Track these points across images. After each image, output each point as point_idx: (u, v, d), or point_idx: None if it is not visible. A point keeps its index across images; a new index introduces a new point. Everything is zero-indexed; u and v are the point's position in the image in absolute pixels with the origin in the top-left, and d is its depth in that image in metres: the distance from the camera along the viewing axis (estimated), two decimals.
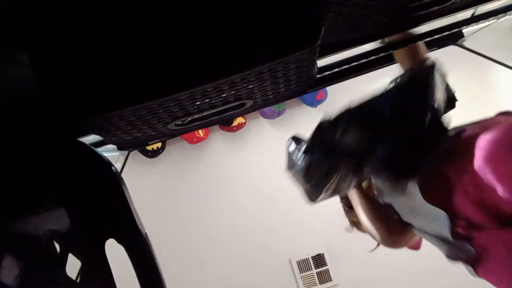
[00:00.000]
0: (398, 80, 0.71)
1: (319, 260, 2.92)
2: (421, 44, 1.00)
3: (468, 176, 0.70)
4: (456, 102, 0.88)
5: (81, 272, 0.72)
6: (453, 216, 0.74)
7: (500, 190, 0.65)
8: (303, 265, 2.92)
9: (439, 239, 0.81)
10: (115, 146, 0.74)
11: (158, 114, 0.60)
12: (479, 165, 0.68)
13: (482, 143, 0.70)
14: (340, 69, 1.01)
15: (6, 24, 0.51)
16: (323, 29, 0.56)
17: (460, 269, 0.80)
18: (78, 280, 0.71)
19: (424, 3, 0.64)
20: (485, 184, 0.67)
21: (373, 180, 0.96)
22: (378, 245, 1.02)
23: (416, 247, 1.03)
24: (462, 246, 0.76)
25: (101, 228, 0.72)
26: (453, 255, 0.81)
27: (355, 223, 1.10)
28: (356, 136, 0.68)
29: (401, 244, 0.96)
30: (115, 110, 0.54)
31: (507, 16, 1.08)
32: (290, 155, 0.82)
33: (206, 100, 0.61)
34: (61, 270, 0.68)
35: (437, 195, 0.75)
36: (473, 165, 0.69)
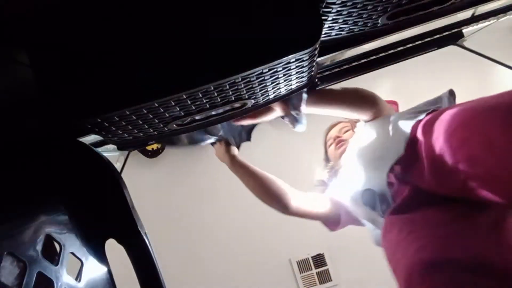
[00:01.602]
0: None
1: (319, 260, 2.92)
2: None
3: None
4: None
5: (81, 272, 0.72)
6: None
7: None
8: (303, 265, 2.92)
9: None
10: (115, 146, 0.74)
11: (159, 114, 0.60)
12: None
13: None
14: (340, 69, 1.01)
15: (6, 24, 0.51)
16: (323, 30, 0.56)
17: None
18: (78, 280, 0.71)
19: (424, 3, 0.64)
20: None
21: None
22: None
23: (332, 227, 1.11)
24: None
25: (101, 228, 0.72)
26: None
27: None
28: None
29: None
30: (115, 110, 0.54)
31: (507, 16, 1.08)
32: None
33: (207, 100, 0.61)
34: (61, 270, 0.68)
35: None
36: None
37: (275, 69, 0.59)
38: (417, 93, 2.90)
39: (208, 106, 0.63)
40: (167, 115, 0.62)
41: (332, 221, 1.12)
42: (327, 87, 1.00)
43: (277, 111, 0.94)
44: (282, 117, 0.97)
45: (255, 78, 0.59)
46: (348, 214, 1.04)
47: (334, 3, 0.58)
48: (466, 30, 1.15)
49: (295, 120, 0.93)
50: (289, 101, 0.91)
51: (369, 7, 0.61)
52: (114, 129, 0.62)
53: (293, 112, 0.92)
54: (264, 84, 0.63)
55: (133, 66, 0.54)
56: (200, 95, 0.58)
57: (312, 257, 2.92)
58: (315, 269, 2.91)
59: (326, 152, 1.27)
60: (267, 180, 1.07)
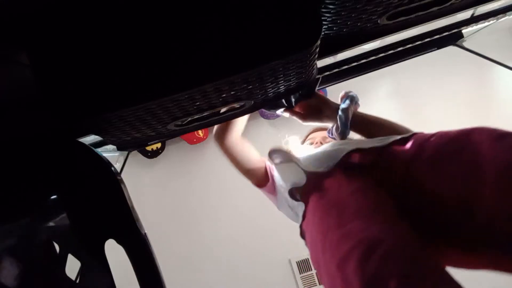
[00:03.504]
0: None
1: None
2: None
3: None
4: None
5: (81, 272, 0.72)
6: None
7: None
8: (303, 265, 2.92)
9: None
10: (114, 146, 0.74)
11: (158, 115, 0.60)
12: None
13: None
14: (340, 69, 1.01)
15: (6, 24, 0.51)
16: (322, 30, 0.56)
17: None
18: (78, 280, 0.71)
19: (424, 4, 0.64)
20: None
21: None
22: None
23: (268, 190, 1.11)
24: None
25: (101, 228, 0.72)
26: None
27: None
28: None
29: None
30: (114, 110, 0.54)
31: (507, 17, 1.08)
32: None
33: (206, 101, 0.61)
34: (61, 270, 0.68)
35: None
36: None
37: (275, 70, 0.59)
38: (417, 93, 2.91)
39: (207, 106, 0.63)
40: (166, 116, 0.62)
41: (259, 179, 1.11)
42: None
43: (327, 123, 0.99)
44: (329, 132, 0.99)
45: (254, 79, 0.59)
46: (272, 185, 1.05)
47: (333, 4, 0.58)
48: (465, 31, 1.15)
49: (342, 127, 0.92)
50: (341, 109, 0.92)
51: (368, 8, 0.61)
52: (113, 129, 0.62)
53: (340, 120, 0.91)
54: (264, 84, 0.63)
55: (133, 66, 0.54)
56: (200, 96, 0.58)
57: None
58: (315, 269, 2.91)
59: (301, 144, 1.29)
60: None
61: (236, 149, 1.09)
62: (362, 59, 1.02)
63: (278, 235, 2.90)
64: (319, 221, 0.73)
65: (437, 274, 0.53)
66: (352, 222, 0.64)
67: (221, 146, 1.09)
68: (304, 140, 1.30)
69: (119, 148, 0.75)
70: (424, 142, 0.71)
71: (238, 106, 0.69)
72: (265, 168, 1.11)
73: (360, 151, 0.80)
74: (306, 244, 0.82)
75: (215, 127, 1.09)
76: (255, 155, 1.12)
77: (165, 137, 0.79)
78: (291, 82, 0.69)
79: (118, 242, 0.70)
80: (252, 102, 0.70)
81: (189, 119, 0.67)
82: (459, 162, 0.62)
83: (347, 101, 0.94)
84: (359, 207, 0.66)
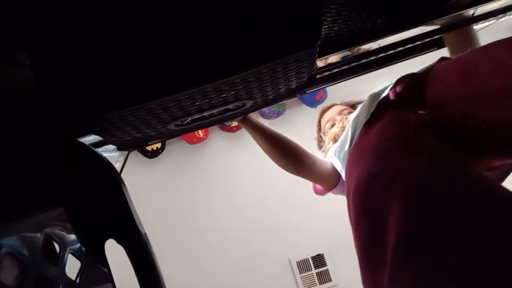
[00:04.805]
0: None
1: (319, 260, 2.93)
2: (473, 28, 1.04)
3: None
4: None
5: (81, 272, 0.72)
6: None
7: None
8: (303, 265, 2.93)
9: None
10: (114, 146, 0.74)
11: (158, 115, 0.60)
12: None
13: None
14: (340, 69, 1.01)
15: (6, 24, 0.51)
16: (322, 30, 0.56)
17: None
18: (78, 280, 0.71)
19: (424, 4, 0.64)
20: None
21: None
22: None
23: (319, 192, 1.15)
24: None
25: (101, 228, 0.72)
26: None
27: None
28: None
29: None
30: (114, 110, 0.54)
31: (507, 17, 1.08)
32: None
33: (206, 101, 0.61)
34: (61, 270, 0.68)
35: None
36: None
37: (275, 69, 0.59)
38: None
39: (207, 106, 0.63)
40: (166, 116, 0.62)
41: (328, 184, 1.12)
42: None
43: None
44: None
45: (254, 78, 0.59)
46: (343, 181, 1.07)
47: (334, 4, 0.58)
48: None
49: None
50: None
51: (368, 8, 0.61)
52: (113, 129, 0.62)
53: None
54: (264, 84, 0.63)
55: (133, 66, 0.54)
56: (200, 96, 0.58)
57: (312, 257, 2.93)
58: (315, 269, 2.91)
59: (321, 134, 1.29)
60: (282, 138, 1.09)
61: (313, 167, 1.11)
62: (362, 59, 1.02)
63: (278, 235, 2.90)
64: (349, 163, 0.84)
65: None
66: (366, 162, 0.72)
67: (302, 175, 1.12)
68: (320, 129, 1.30)
69: (119, 148, 0.75)
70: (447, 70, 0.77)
71: (238, 105, 0.69)
72: (332, 169, 1.11)
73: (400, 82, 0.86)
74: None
75: (285, 166, 1.09)
76: (321, 161, 1.12)
77: (165, 137, 0.79)
78: (291, 82, 0.69)
79: (118, 242, 0.70)
80: (252, 102, 0.70)
81: (189, 119, 0.67)
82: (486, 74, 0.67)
83: None
84: (376, 146, 0.73)
